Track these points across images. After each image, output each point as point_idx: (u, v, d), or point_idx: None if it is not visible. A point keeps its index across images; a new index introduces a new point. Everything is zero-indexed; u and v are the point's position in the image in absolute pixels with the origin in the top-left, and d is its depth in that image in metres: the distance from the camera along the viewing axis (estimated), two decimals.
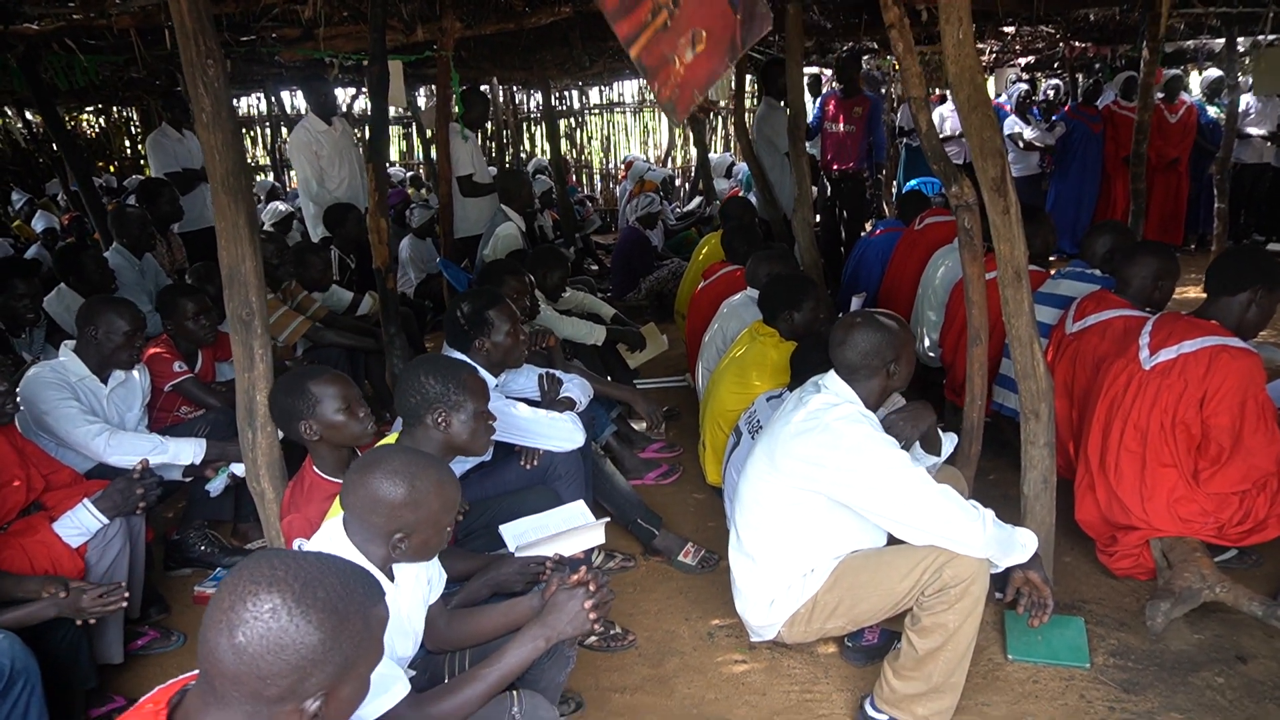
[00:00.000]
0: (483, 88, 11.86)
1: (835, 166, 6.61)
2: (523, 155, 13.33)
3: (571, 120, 14.04)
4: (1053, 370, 3.33)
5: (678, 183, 13.41)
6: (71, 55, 5.31)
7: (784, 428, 2.38)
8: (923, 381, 5.00)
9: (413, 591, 1.85)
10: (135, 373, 3.37)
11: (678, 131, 13.16)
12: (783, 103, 6.58)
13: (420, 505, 1.70)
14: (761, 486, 2.41)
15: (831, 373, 2.46)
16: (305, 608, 1.02)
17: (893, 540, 2.35)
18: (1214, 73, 8.85)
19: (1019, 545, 2.22)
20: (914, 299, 4.77)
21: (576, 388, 3.16)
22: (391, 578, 1.80)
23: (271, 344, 4.39)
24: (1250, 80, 8.74)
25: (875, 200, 9.18)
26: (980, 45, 8.90)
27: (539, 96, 13.66)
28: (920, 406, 2.48)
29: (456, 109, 5.87)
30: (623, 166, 12.26)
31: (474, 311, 2.88)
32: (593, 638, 2.85)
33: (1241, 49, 7.05)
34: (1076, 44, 8.90)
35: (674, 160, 13.83)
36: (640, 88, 13.60)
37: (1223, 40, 7.40)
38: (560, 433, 2.81)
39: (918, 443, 2.59)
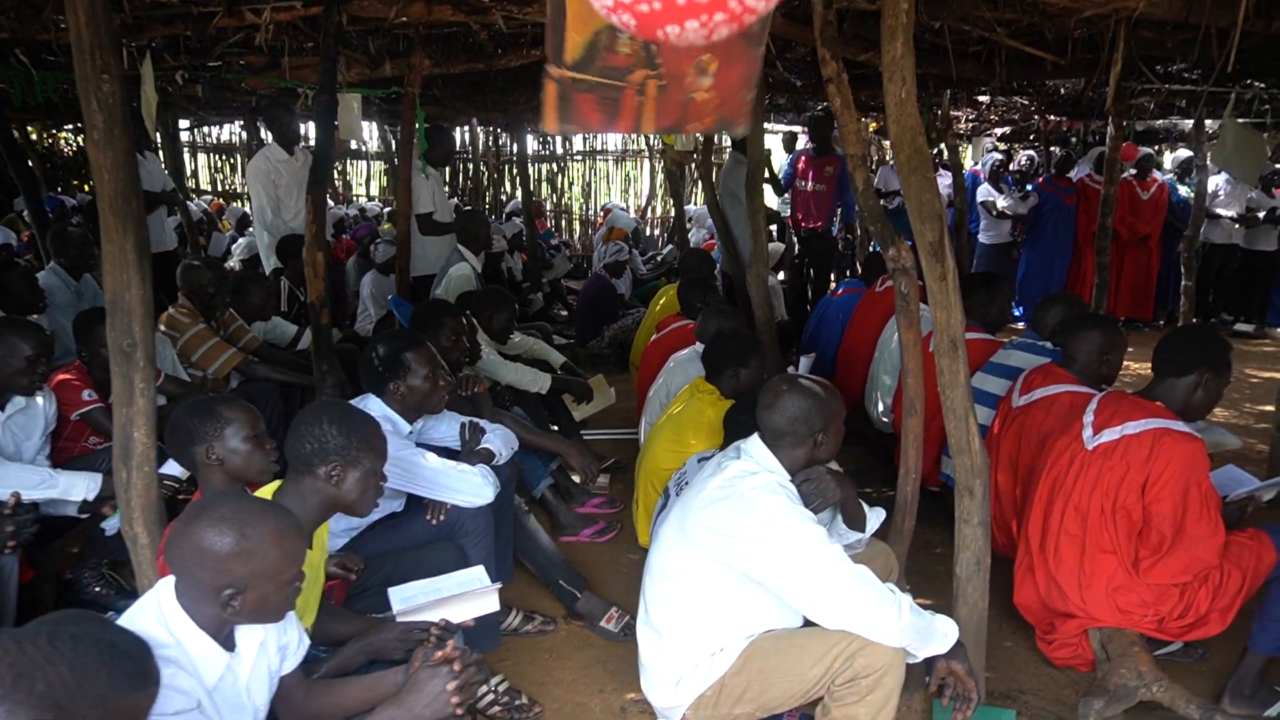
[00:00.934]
0: (463, 128, 11.93)
1: (805, 224, 6.57)
2: (503, 197, 13.31)
3: (553, 165, 14.06)
4: (999, 444, 3.23)
5: (655, 233, 13.41)
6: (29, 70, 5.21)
7: (698, 495, 2.24)
8: (876, 447, 4.89)
9: (256, 661, 1.67)
10: (39, 399, 3.19)
11: (659, 181, 13.19)
12: None
13: (253, 556, 1.52)
14: (672, 557, 2.25)
15: (755, 437, 2.32)
16: (12, 704, 0.85)
17: (810, 621, 2.19)
18: (1185, 153, 8.96)
19: (939, 634, 2.07)
20: (870, 362, 4.68)
21: (498, 439, 3.00)
22: (230, 644, 1.62)
23: (202, 376, 4.29)
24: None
25: (848, 260, 9.16)
26: (956, 113, 8.99)
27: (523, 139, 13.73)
28: (836, 476, 2.34)
29: (420, 145, 5.78)
30: (601, 214, 12.24)
31: (390, 353, 2.73)
32: (496, 707, 2.66)
33: (1210, 130, 7.11)
34: (1051, 117, 9.00)
35: (654, 210, 13.84)
36: (624, 137, 13.65)
37: (1192, 121, 7.48)
38: (468, 487, 2.64)
39: (839, 518, 2.45)
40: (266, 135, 6.52)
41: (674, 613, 2.23)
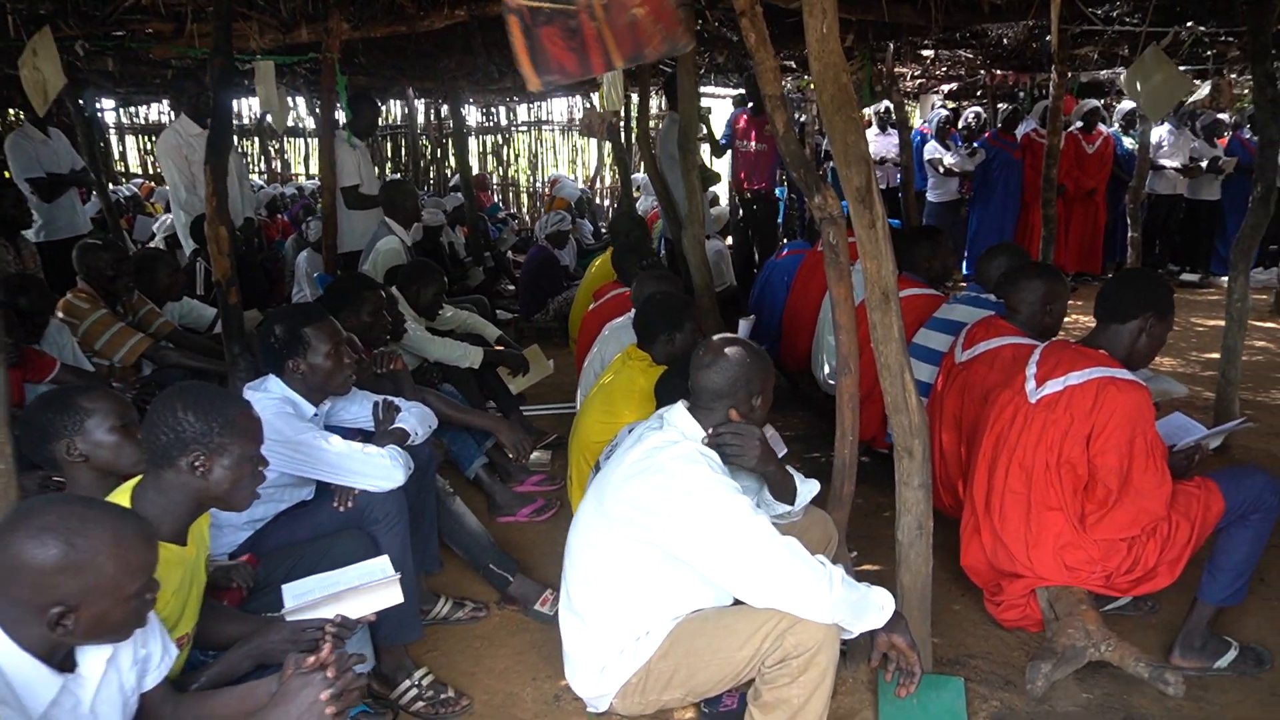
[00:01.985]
0: (399, 100, 11.51)
1: (747, 186, 6.39)
2: (447, 171, 12.96)
3: (498, 137, 13.71)
4: (942, 401, 3.11)
5: (606, 203, 13.16)
6: None
7: (616, 469, 2.08)
8: (823, 411, 4.77)
9: (104, 680, 1.48)
10: None
11: (606, 150, 12.92)
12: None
13: (85, 570, 1.33)
14: (591, 536, 2.09)
15: (679, 405, 2.16)
16: None
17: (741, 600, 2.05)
18: (1128, 105, 8.93)
19: (874, 607, 1.94)
20: (816, 323, 4.54)
21: (414, 417, 2.80)
22: (70, 665, 1.42)
23: (108, 365, 4.02)
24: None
25: (798, 221, 9.02)
26: (901, 69, 8.85)
27: (468, 110, 13.35)
28: (762, 446, 2.19)
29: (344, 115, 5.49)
30: (548, 185, 11.96)
31: (288, 330, 2.51)
32: (419, 703, 2.50)
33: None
34: (997, 72, 8.90)
35: (603, 179, 13.58)
36: (569, 106, 13.34)
37: None
38: (375, 470, 2.45)
39: (765, 490, 2.30)
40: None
41: (595, 595, 2.07)
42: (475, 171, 13.33)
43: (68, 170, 6.04)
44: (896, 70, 7.48)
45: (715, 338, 2.15)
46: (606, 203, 13.37)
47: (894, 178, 8.89)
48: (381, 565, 2.10)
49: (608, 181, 13.69)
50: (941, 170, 8.47)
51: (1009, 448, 2.58)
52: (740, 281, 6.67)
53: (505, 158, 13.93)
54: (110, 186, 11.04)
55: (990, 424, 2.69)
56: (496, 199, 13.29)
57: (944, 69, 8.77)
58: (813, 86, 2.21)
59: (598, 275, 5.08)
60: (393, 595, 2.01)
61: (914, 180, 7.62)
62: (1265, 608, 2.91)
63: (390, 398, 2.89)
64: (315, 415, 2.63)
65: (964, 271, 8.43)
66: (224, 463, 1.82)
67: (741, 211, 6.51)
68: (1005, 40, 6.09)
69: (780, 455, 3.02)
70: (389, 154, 13.47)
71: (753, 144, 6.26)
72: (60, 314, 3.84)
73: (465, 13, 5.11)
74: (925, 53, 7.26)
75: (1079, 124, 8.36)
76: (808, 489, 2.33)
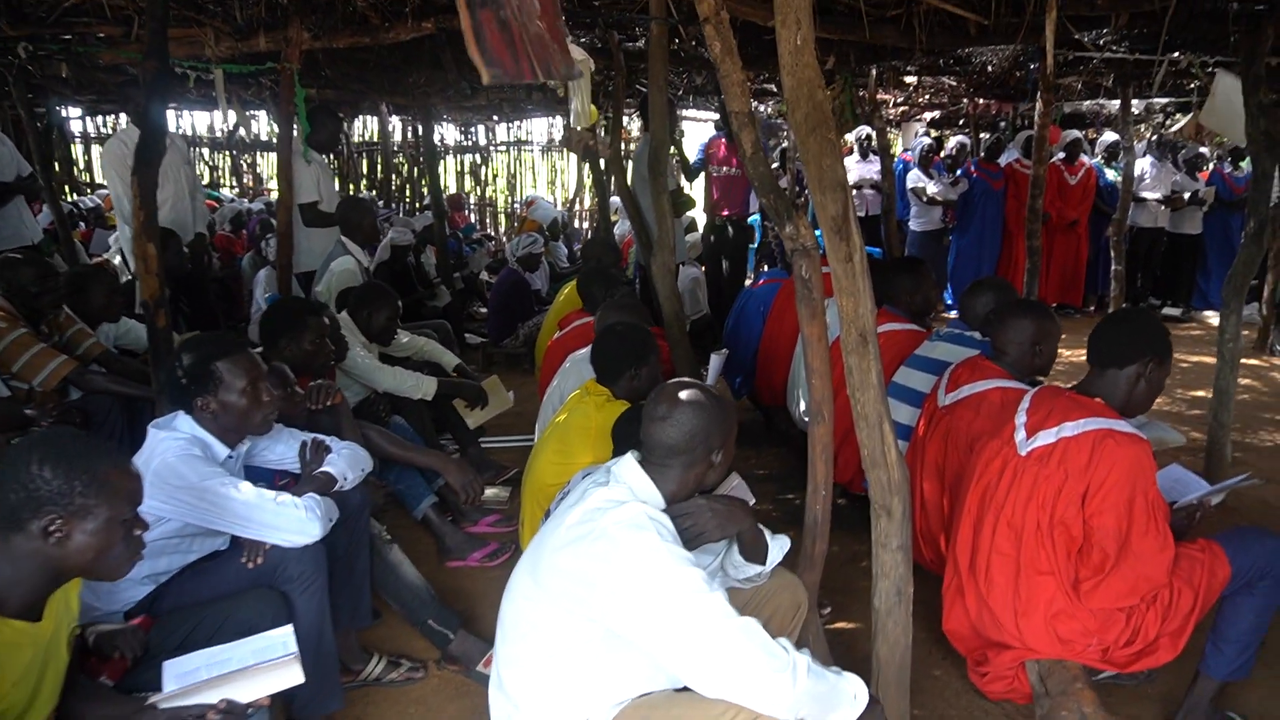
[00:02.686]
0: (370, 116, 11.25)
1: (724, 212, 6.17)
2: (423, 190, 12.72)
3: (477, 156, 13.50)
4: (924, 447, 2.88)
5: (584, 225, 12.96)
6: None
7: (554, 532, 1.82)
8: (798, 449, 4.55)
9: None
10: None
11: (586, 172, 12.73)
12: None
13: None
14: (525, 609, 1.83)
15: (629, 458, 1.91)
16: None
17: None
18: (1111, 136, 8.85)
19: (846, 698, 1.69)
20: (792, 357, 4.32)
21: (344, 460, 2.53)
22: None
23: (27, 389, 3.72)
24: (1146, 144, 8.77)
25: (776, 249, 8.85)
26: (884, 96, 8.72)
27: (445, 129, 13.14)
28: (728, 506, 1.95)
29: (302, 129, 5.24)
30: (525, 206, 11.74)
31: (196, 362, 2.25)
32: None
33: (1136, 111, 6.94)
34: (980, 101, 8.80)
35: (581, 202, 13.38)
36: (549, 126, 13.17)
37: (1119, 102, 7.32)
38: (288, 523, 2.18)
39: (734, 549, 2.06)
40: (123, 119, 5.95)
41: (529, 676, 1.80)
42: (452, 191, 13.13)
43: (12, 178, 5.76)
44: (879, 96, 7.33)
45: (671, 384, 1.90)
46: (586, 225, 13.17)
47: (875, 205, 8.75)
48: (283, 639, 1.83)
49: (587, 204, 13.50)
50: (925, 199, 8.33)
51: (996, 504, 2.35)
52: (711, 310, 6.45)
53: (483, 177, 13.71)
54: (74, 197, 10.75)
55: (976, 476, 2.46)
56: (473, 219, 13.07)
57: (927, 96, 8.66)
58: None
59: (565, 302, 4.84)
60: (291, 675, 1.74)
61: (896, 208, 7.46)
62: (1272, 679, 2.68)
63: (320, 437, 2.62)
64: (230, 458, 2.36)
65: (946, 302, 8.28)
66: (87, 527, 1.55)
67: (713, 238, 6.29)
68: (990, 68, 5.95)
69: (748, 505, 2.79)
70: (364, 171, 13.23)
71: (729, 169, 6.06)
72: None
73: (432, 24, 4.90)
74: (908, 79, 7.12)
75: (1061, 155, 8.26)
76: (778, 547, 2.09)
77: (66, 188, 10.87)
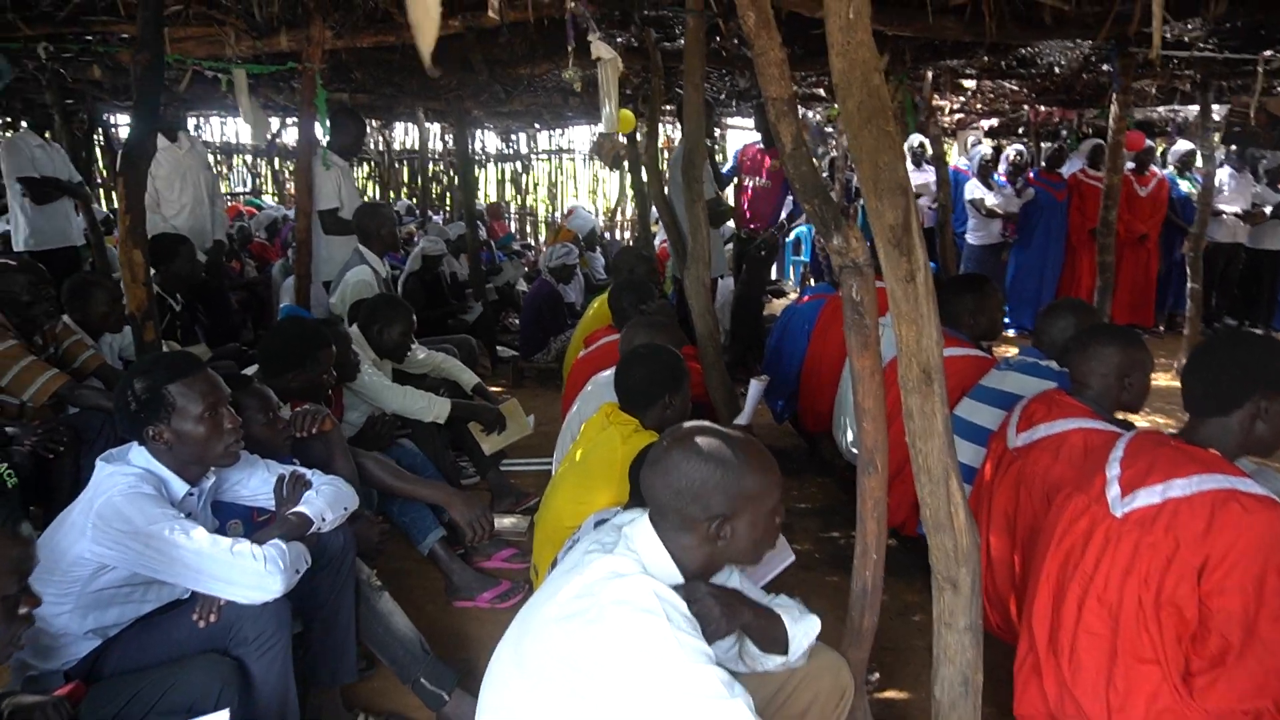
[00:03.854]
0: (407, 123, 11.04)
1: (754, 225, 5.75)
2: None
3: (518, 164, 13.30)
4: (991, 494, 2.49)
5: (625, 236, 12.65)
6: None
7: (546, 604, 1.49)
8: (845, 480, 4.16)
9: None
10: None
11: (629, 181, 12.44)
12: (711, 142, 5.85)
13: None
14: (506, 698, 1.50)
15: (643, 518, 1.58)
16: None
17: None
18: (1185, 145, 8.29)
19: None
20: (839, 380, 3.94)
21: (323, 499, 2.22)
22: None
23: (18, 404, 3.50)
24: (1224, 154, 8.20)
25: (824, 262, 8.43)
26: (940, 102, 8.27)
27: (486, 136, 12.98)
28: (728, 595, 1.60)
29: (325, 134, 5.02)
30: (565, 215, 11.48)
31: (146, 387, 1.96)
32: None
33: (1217, 116, 6.42)
34: (1041, 108, 8.31)
35: (623, 211, 13.09)
36: (591, 134, 12.90)
37: (1196, 108, 6.80)
38: (243, 577, 1.87)
39: (747, 641, 1.70)
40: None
41: None
42: (492, 199, 12.95)
43: (65, 179, 5.80)
44: (934, 102, 6.91)
45: (686, 425, 1.56)
46: (626, 235, 12.87)
47: (929, 217, 8.30)
48: None
49: (629, 213, 13.21)
50: (984, 211, 7.86)
51: (1084, 573, 1.96)
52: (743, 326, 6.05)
53: (524, 186, 13.50)
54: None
55: (1057, 537, 2.07)
56: (513, 228, 12.86)
57: (985, 103, 8.19)
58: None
59: (594, 317, 4.51)
60: None
61: (952, 220, 7.03)
62: None
63: (301, 470, 2.32)
64: (191, 494, 2.07)
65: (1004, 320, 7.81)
66: None
67: (737, 250, 5.90)
68: (1057, 69, 5.50)
69: (784, 565, 2.43)
70: (405, 179, 13.12)
71: (760, 180, 5.68)
72: None
73: (459, 22, 4.63)
74: (967, 82, 6.68)
75: (1131, 165, 7.74)
76: (804, 630, 1.72)
77: (114, 194, 10.94)
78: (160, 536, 1.84)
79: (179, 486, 2.03)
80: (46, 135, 6.07)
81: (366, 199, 13.08)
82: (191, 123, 10.80)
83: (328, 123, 5.00)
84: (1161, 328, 8.30)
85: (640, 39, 4.84)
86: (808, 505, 4.25)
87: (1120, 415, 2.52)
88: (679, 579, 1.49)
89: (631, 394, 2.63)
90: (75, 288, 3.87)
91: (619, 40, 5.26)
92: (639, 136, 5.99)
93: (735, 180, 5.71)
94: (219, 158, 12.64)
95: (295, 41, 4.82)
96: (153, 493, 1.93)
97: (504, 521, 3.87)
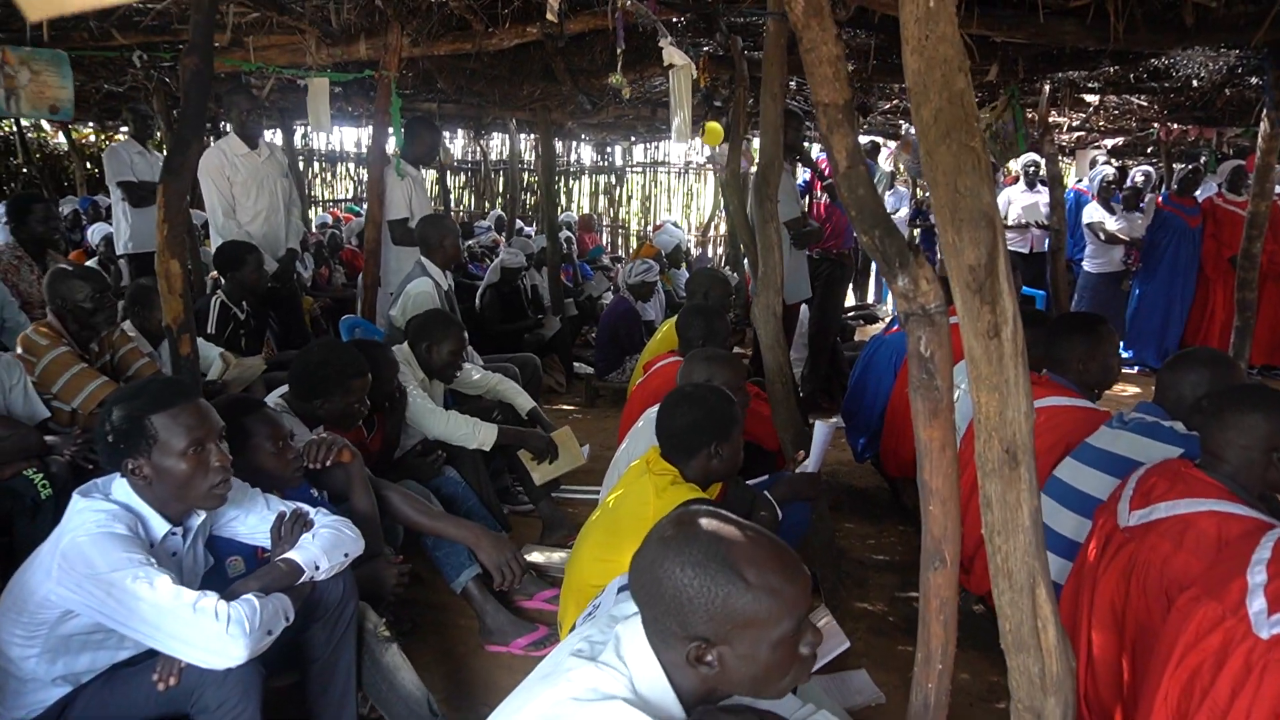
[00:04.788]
0: (497, 133, 11.01)
1: (831, 245, 5.28)
2: (559, 208, 12.53)
3: (611, 176, 13.18)
4: (1094, 580, 2.09)
5: (720, 252, 12.33)
6: None
7: (515, 714, 1.21)
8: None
9: None
10: None
11: (721, 197, 12.15)
12: (798, 163, 5.48)
13: None
14: None
15: (637, 622, 1.28)
16: None
17: None
18: None
19: None
20: None
21: (319, 544, 2.00)
22: None
23: (70, 411, 3.47)
24: None
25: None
26: (1059, 119, 7.67)
27: (580, 148, 12.92)
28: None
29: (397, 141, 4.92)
30: (653, 229, 11.27)
31: (126, 416, 1.78)
32: None
33: None
34: (1175, 125, 7.59)
35: (717, 228, 12.78)
36: (687, 148, 12.68)
37: None
38: (201, 636, 1.66)
39: None
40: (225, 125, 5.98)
41: None
42: (584, 212, 12.86)
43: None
44: (1050, 119, 6.36)
45: (682, 517, 1.26)
46: (720, 251, 12.56)
47: (1041, 242, 7.70)
48: None
49: (723, 229, 12.91)
50: (1103, 236, 7.22)
51: (1215, 706, 1.55)
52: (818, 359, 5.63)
53: (618, 198, 13.37)
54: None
55: (1180, 650, 1.67)
56: (604, 241, 12.73)
57: (1109, 119, 7.54)
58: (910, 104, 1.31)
59: (660, 341, 4.23)
60: None
61: (1066, 246, 6.44)
62: None
63: (303, 508, 2.12)
64: (174, 533, 1.89)
65: (1123, 354, 7.13)
66: None
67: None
68: (1195, 82, 4.92)
69: (837, 652, 2.08)
70: (499, 189, 13.17)
71: (826, 195, 5.24)
72: (19, 349, 3.32)
73: (537, 30, 4.45)
74: (1089, 97, 6.11)
75: (1278, 189, 6.96)
76: None
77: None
78: (121, 585, 1.66)
79: (159, 525, 1.85)
80: (149, 144, 6.25)
81: (462, 209, 13.28)
82: (299, 131, 11.18)
83: (402, 131, 4.90)
84: None
85: (726, 47, 4.55)
86: (885, 557, 3.85)
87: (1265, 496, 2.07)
88: (676, 710, 1.19)
89: (672, 440, 2.34)
90: (136, 295, 3.85)
91: (705, 49, 5.00)
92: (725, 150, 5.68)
93: (807, 195, 5.27)
94: (323, 164, 12.97)
95: (374, 49, 4.75)
96: (125, 533, 1.74)
97: (553, 556, 3.62)
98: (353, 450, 2.43)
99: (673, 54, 3.21)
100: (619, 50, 3.39)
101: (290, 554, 1.94)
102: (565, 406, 6.41)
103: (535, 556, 3.62)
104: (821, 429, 2.83)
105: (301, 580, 1.94)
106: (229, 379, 3.84)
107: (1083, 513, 2.40)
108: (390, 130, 4.86)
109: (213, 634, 1.65)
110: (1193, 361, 2.43)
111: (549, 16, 3.27)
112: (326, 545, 2.02)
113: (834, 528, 3.88)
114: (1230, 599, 1.61)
